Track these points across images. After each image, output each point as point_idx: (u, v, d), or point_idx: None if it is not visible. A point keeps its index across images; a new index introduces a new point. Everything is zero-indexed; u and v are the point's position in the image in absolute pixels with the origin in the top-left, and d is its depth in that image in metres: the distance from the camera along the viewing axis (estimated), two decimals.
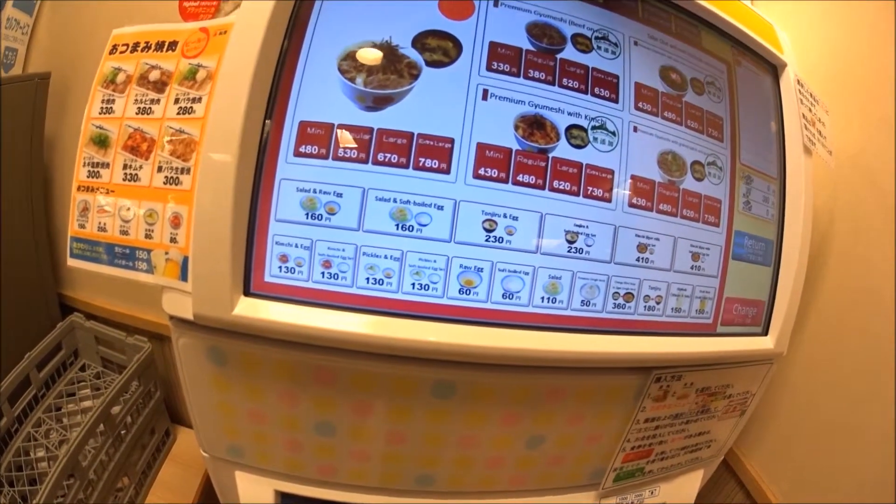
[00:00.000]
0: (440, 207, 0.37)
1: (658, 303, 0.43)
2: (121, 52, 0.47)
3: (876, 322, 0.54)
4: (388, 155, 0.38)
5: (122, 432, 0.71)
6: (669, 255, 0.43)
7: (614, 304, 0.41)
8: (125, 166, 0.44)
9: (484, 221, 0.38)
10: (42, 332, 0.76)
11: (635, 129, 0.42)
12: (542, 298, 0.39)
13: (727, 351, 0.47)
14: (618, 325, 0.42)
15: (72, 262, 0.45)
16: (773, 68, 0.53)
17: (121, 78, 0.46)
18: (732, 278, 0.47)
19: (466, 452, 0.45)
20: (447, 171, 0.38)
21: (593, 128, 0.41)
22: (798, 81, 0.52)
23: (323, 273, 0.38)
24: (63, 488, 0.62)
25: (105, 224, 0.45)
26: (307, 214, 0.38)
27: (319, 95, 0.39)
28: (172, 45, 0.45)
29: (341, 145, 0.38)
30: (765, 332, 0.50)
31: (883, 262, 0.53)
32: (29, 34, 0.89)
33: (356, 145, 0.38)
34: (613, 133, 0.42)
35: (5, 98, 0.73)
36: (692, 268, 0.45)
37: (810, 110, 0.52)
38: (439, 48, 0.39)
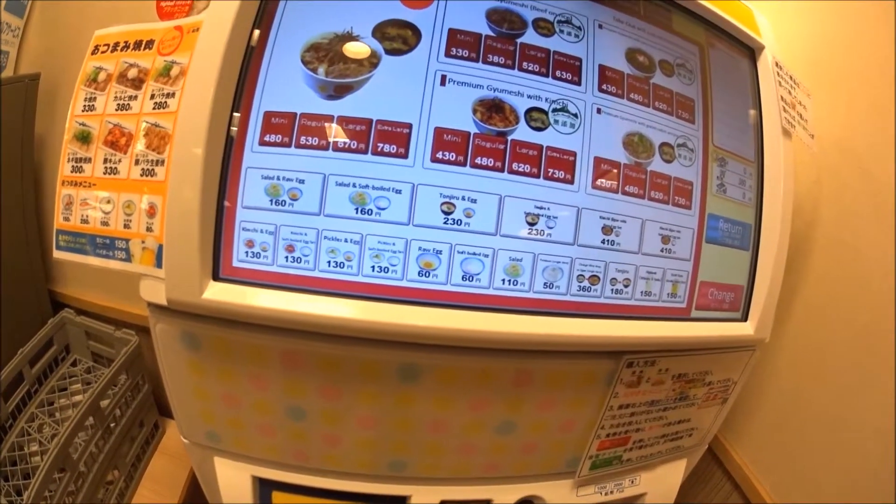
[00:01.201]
0: (398, 191, 0.40)
1: (626, 286, 0.45)
2: (102, 52, 0.51)
3: (864, 310, 0.54)
4: (348, 141, 0.40)
5: (112, 425, 0.75)
6: (637, 237, 0.45)
7: (579, 286, 0.43)
8: (105, 160, 0.48)
9: (442, 204, 0.40)
10: (34, 328, 0.80)
11: (599, 111, 0.44)
12: (503, 280, 0.41)
13: (703, 336, 0.48)
14: (583, 308, 0.43)
15: (58, 255, 0.48)
16: (751, 51, 0.53)
17: (102, 76, 0.50)
18: (707, 262, 0.48)
19: (437, 438, 0.47)
20: (405, 156, 0.40)
21: (554, 110, 0.43)
22: (777, 64, 0.52)
23: (287, 257, 0.40)
24: (55, 481, 0.65)
25: (87, 216, 0.48)
26: (271, 201, 0.40)
27: (283, 86, 0.41)
28: (150, 44, 0.48)
29: (303, 133, 0.41)
30: (744, 318, 0.51)
31: (871, 250, 0.54)
32: (20, 36, 0.94)
33: (317, 133, 0.40)
34: (575, 115, 0.43)
35: None
36: (662, 250, 0.46)
37: (790, 93, 0.53)
38: (399, 36, 0.42)
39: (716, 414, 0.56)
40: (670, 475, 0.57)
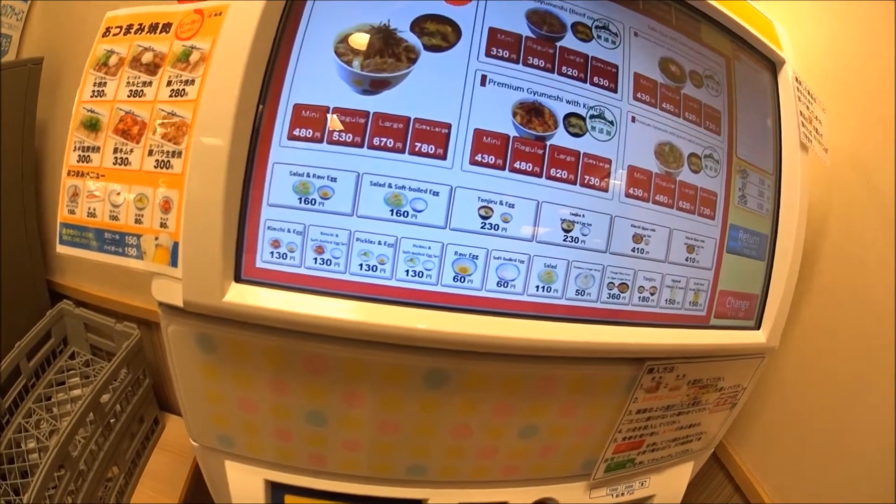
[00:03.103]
0: (436, 193, 0.36)
1: (652, 294, 0.42)
2: (114, 35, 0.46)
3: (869, 321, 0.54)
4: (384, 139, 0.37)
5: (112, 421, 0.69)
6: (665, 246, 0.43)
7: (609, 294, 0.40)
8: (115, 150, 0.43)
9: (480, 208, 0.37)
10: (32, 320, 0.74)
11: (633, 120, 0.42)
12: (537, 287, 0.38)
13: (720, 344, 0.47)
14: (612, 315, 0.41)
15: (61, 249, 0.44)
16: (772, 65, 0.52)
17: (113, 60, 0.45)
18: (726, 271, 0.47)
19: (459, 442, 0.44)
20: (443, 157, 0.37)
21: (591, 117, 0.40)
22: (796, 79, 0.51)
23: (315, 259, 0.37)
24: (54, 480, 0.60)
25: (95, 209, 0.43)
26: (300, 199, 0.37)
27: (315, 78, 0.38)
28: (166, 27, 0.43)
29: (336, 129, 0.37)
30: (757, 326, 0.50)
31: (877, 262, 0.53)
32: (23, 20, 0.86)
33: (351, 129, 0.37)
34: (611, 122, 0.41)
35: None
36: (687, 259, 0.44)
37: (808, 108, 0.52)
38: (438, 33, 0.38)
39: (724, 419, 0.55)
40: (678, 478, 0.56)
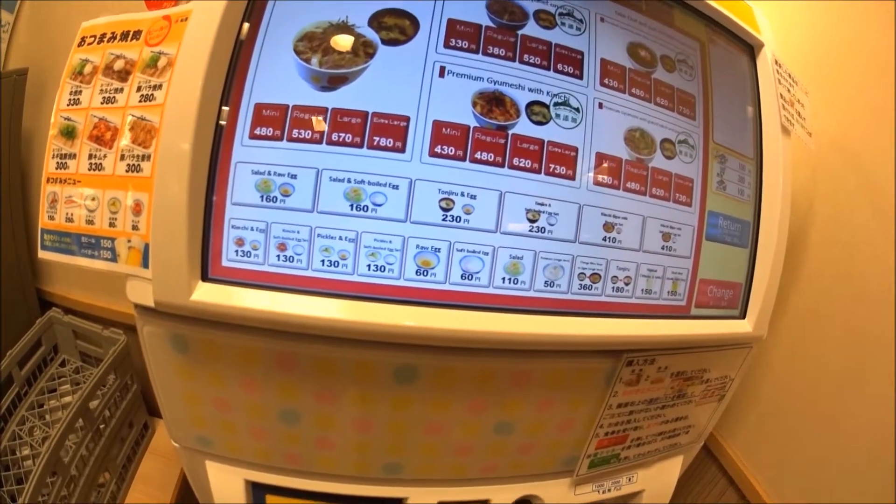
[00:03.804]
0: (395, 187, 0.37)
1: (627, 284, 0.42)
2: (88, 44, 0.47)
3: (860, 308, 0.53)
4: (343, 134, 0.37)
5: (101, 426, 0.71)
6: (638, 234, 0.42)
7: (580, 284, 0.40)
8: (90, 156, 0.44)
9: (441, 200, 0.37)
10: (21, 328, 0.75)
11: (601, 106, 0.41)
12: (503, 279, 0.38)
13: (702, 334, 0.46)
14: (585, 306, 0.41)
15: (43, 255, 0.45)
16: (750, 48, 0.51)
17: (88, 69, 0.46)
18: (706, 259, 0.46)
19: (433, 439, 0.44)
20: (402, 150, 0.37)
21: (556, 104, 0.40)
22: (776, 62, 0.50)
23: (278, 256, 0.37)
24: (47, 486, 0.61)
25: (72, 214, 0.44)
26: (262, 197, 0.37)
27: (275, 78, 0.38)
28: (137, 35, 0.44)
29: (295, 126, 0.37)
30: (742, 316, 0.49)
31: (868, 248, 0.52)
32: (10, 32, 0.89)
33: (310, 126, 0.37)
34: (577, 109, 0.41)
35: None
36: (663, 248, 0.44)
37: (789, 90, 0.51)
38: (396, 26, 0.39)
39: (713, 411, 0.54)
40: (667, 472, 0.55)
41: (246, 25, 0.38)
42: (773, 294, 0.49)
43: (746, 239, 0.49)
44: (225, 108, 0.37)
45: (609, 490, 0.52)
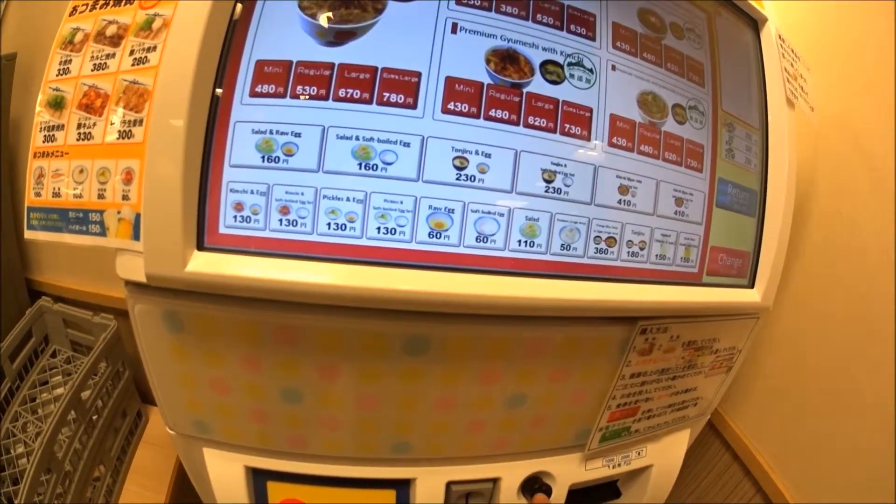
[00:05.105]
0: (406, 144, 0.33)
1: (642, 248, 0.39)
2: (80, 13, 0.43)
3: (863, 282, 0.51)
4: (350, 90, 0.33)
5: (94, 417, 0.65)
6: (652, 198, 0.39)
7: (596, 248, 0.37)
8: (79, 125, 0.40)
9: (454, 159, 0.34)
10: (11, 320, 0.69)
11: (613, 68, 0.39)
12: (520, 242, 0.35)
13: (714, 302, 0.43)
14: (600, 271, 0.38)
15: (29, 234, 0.40)
16: (754, 22, 0.49)
17: (78, 37, 0.42)
18: (717, 226, 0.43)
19: (444, 415, 0.40)
20: (413, 106, 0.33)
21: (569, 64, 0.37)
22: (780, 36, 0.48)
23: (281, 220, 0.33)
24: (43, 484, 0.56)
25: (59, 189, 0.40)
26: (263, 157, 0.33)
27: (278, 33, 0.34)
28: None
29: (299, 83, 0.33)
30: (751, 285, 0.46)
31: (869, 223, 0.51)
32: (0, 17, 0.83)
33: (315, 82, 0.33)
34: (591, 70, 0.38)
35: None
36: (676, 213, 0.41)
37: (792, 65, 0.49)
38: None
39: (720, 383, 0.51)
40: (675, 445, 0.52)
41: None
42: (781, 264, 0.46)
43: (754, 208, 0.47)
44: (223, 63, 0.33)
45: (619, 465, 0.49)
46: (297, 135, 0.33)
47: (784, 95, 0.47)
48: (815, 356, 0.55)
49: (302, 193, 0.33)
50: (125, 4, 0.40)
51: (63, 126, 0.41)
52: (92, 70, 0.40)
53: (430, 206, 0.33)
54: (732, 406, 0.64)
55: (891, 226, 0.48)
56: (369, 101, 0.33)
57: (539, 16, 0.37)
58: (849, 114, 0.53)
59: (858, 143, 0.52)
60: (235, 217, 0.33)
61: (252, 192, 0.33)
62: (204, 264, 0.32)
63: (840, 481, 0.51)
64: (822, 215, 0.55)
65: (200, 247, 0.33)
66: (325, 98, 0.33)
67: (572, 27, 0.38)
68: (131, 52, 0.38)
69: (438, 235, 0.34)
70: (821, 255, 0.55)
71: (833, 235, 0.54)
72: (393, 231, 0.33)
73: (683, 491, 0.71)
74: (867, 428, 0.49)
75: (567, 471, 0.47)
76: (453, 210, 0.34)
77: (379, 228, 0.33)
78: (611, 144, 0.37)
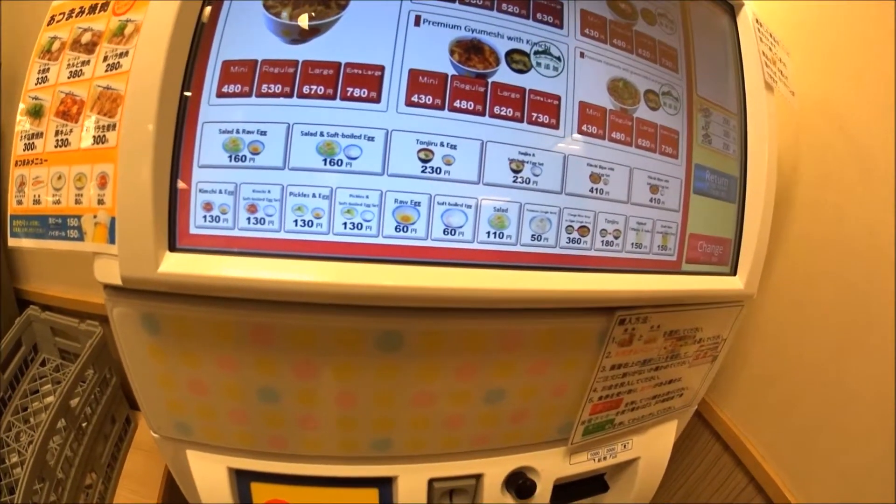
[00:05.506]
0: (371, 138, 0.33)
1: (616, 237, 0.39)
2: (57, 22, 0.44)
3: (849, 269, 0.50)
4: (314, 87, 0.33)
5: (84, 424, 0.65)
6: (625, 186, 0.39)
7: (568, 238, 0.37)
8: (57, 132, 0.41)
9: (419, 151, 0.34)
10: (0, 331, 0.70)
11: (582, 55, 0.38)
12: (488, 233, 0.35)
13: (694, 290, 0.43)
14: (574, 261, 0.37)
15: (13, 242, 0.41)
16: (731, 7, 0.49)
17: (56, 46, 0.43)
18: (695, 213, 0.43)
19: (423, 411, 0.40)
20: (377, 100, 0.33)
21: (536, 52, 0.37)
22: (756, 20, 0.48)
23: (248, 219, 0.33)
24: (36, 493, 0.56)
25: (39, 196, 0.41)
26: (230, 157, 0.33)
27: (244, 33, 0.35)
28: (105, 6, 0.41)
29: (264, 81, 0.34)
30: (733, 273, 0.46)
31: (856, 210, 0.50)
32: None
33: (280, 79, 0.34)
34: (558, 58, 0.38)
35: None
36: (651, 200, 0.41)
37: (770, 49, 0.49)
38: None
39: (706, 373, 0.51)
40: (662, 437, 0.52)
41: None
42: (763, 251, 0.46)
43: (734, 194, 0.46)
44: (192, 68, 0.34)
45: (605, 458, 0.49)
46: (263, 133, 0.33)
47: (762, 80, 0.46)
48: (802, 344, 0.55)
49: (269, 191, 0.33)
50: (99, 12, 0.41)
51: (42, 134, 0.41)
52: (68, 77, 0.41)
53: (395, 200, 0.33)
54: (720, 396, 0.64)
55: (878, 213, 0.47)
56: (333, 97, 0.33)
57: (504, 5, 0.37)
58: (831, 100, 0.53)
59: (843, 129, 0.51)
60: (205, 217, 0.34)
61: (220, 192, 0.33)
62: (175, 265, 0.33)
63: (834, 467, 0.51)
64: (807, 203, 0.55)
65: (172, 248, 0.33)
66: (290, 95, 0.33)
67: (539, 15, 0.38)
68: (105, 59, 0.39)
69: (405, 229, 0.34)
70: (805, 242, 0.55)
71: (817, 222, 0.54)
72: (359, 226, 0.33)
73: (674, 484, 0.70)
74: (859, 413, 0.49)
75: (551, 465, 0.47)
76: (419, 203, 0.34)
77: (345, 224, 0.33)
78: (580, 132, 0.37)
